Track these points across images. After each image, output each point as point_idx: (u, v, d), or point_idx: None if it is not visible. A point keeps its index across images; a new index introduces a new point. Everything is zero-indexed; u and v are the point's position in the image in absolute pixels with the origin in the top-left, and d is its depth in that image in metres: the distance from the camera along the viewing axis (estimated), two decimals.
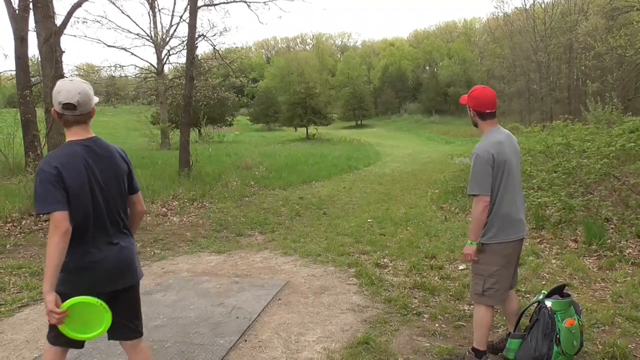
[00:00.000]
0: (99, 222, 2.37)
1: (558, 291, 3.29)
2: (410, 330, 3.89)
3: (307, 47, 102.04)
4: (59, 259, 2.18)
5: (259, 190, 12.36)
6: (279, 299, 4.67)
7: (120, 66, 28.93)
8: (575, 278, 4.96)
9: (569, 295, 3.26)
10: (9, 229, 7.51)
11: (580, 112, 16.03)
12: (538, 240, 6.43)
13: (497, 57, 50.44)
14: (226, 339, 3.76)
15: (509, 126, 15.76)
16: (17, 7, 13.12)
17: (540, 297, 3.29)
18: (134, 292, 2.59)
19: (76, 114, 2.33)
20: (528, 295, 4.46)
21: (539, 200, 7.03)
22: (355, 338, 3.72)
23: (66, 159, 2.29)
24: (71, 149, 2.35)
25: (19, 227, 7.63)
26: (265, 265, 5.95)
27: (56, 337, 2.36)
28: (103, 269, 2.36)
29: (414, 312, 4.24)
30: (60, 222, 2.20)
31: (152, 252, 6.65)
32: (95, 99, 2.45)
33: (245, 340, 3.77)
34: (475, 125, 3.30)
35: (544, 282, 4.84)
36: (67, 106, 2.30)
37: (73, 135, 2.37)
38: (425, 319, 4.10)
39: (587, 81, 36.86)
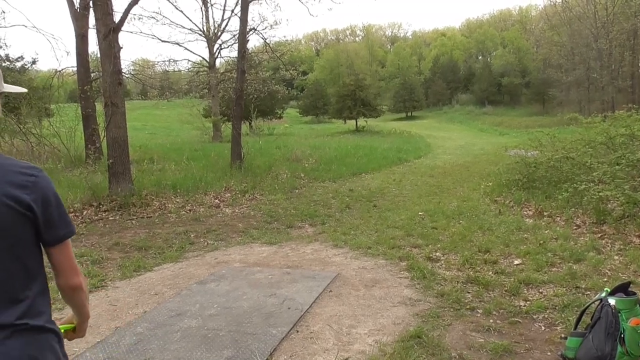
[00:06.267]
0: None
1: (622, 289, 3.14)
2: (463, 325, 3.81)
3: (357, 38, 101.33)
4: None
5: (308, 182, 12.42)
6: (330, 291, 4.68)
7: (174, 61, 29.50)
8: None
9: (634, 294, 3.11)
10: (71, 219, 7.87)
11: None
12: (599, 235, 6.16)
13: (555, 45, 48.44)
14: (278, 329, 3.80)
15: (566, 117, 15.15)
16: (78, 6, 13.70)
17: (603, 294, 3.16)
18: None
19: None
20: (589, 293, 4.28)
21: (600, 193, 6.72)
22: (407, 332, 3.68)
23: None
24: None
25: (80, 217, 7.99)
26: (316, 257, 5.98)
27: None
28: None
29: (468, 306, 4.16)
30: None
31: (206, 243, 6.81)
32: (11, 89, 1.54)
33: (297, 331, 3.80)
34: None
35: (605, 279, 4.63)
36: None
37: None
38: (479, 314, 4.01)
39: None
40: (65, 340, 1.57)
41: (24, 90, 1.62)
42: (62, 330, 1.61)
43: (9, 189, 1.32)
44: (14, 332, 1.31)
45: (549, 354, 3.32)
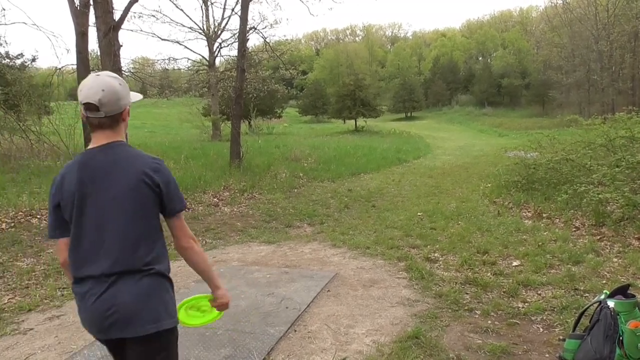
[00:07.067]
0: (87, 250, 1.86)
1: (621, 291, 3.14)
2: (461, 326, 3.81)
3: (357, 38, 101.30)
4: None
5: (307, 182, 12.42)
6: (328, 291, 4.68)
7: (174, 59, 29.43)
8: (639, 278, 4.71)
9: (633, 296, 3.10)
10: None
11: None
12: (598, 237, 6.15)
13: (555, 47, 48.38)
14: (276, 328, 3.80)
15: (566, 118, 15.11)
16: (78, 3, 13.67)
17: (602, 297, 3.15)
18: (140, 350, 1.90)
19: (99, 116, 1.85)
20: (587, 295, 4.28)
21: (599, 195, 6.71)
22: (405, 332, 3.67)
23: (65, 172, 1.90)
24: (76, 159, 1.94)
25: None
26: (314, 256, 5.97)
27: None
28: (86, 308, 1.85)
29: (466, 307, 4.15)
30: (58, 253, 1.95)
31: (204, 241, 6.80)
32: (135, 97, 2.03)
33: (295, 331, 3.80)
34: None
35: (604, 282, 4.62)
36: (88, 107, 1.85)
37: (93, 142, 1.92)
38: (477, 316, 4.01)
39: None
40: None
41: (141, 96, 2.10)
42: (196, 301, 2.23)
43: (147, 172, 1.87)
44: (145, 274, 1.87)
45: (547, 355, 3.31)
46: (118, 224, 1.84)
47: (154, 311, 1.87)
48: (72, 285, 1.91)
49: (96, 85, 1.84)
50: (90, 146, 1.92)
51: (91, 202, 1.84)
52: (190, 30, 28.32)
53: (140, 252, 1.87)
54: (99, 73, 1.90)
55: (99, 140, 1.90)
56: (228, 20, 40.81)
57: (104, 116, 1.86)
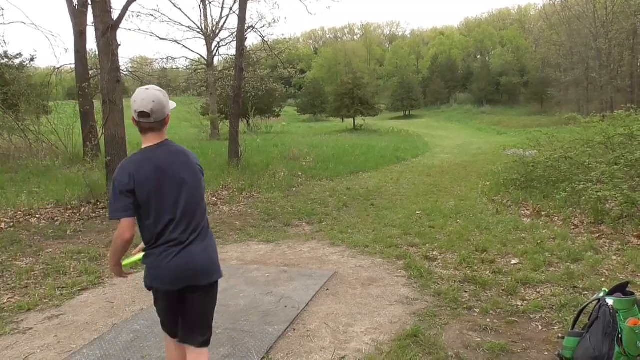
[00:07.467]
0: (166, 221, 2.42)
1: (620, 289, 3.13)
2: (460, 324, 3.81)
3: (355, 37, 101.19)
4: (115, 260, 2.55)
5: (306, 180, 12.41)
6: (327, 289, 4.68)
7: (172, 58, 29.54)
8: (638, 276, 4.71)
9: (632, 294, 3.10)
10: (69, 216, 7.86)
11: None
12: (597, 235, 6.16)
13: (554, 45, 48.36)
14: (275, 327, 3.80)
15: (565, 116, 15.08)
16: (76, 3, 13.66)
17: (601, 294, 3.15)
18: (199, 296, 2.53)
19: (150, 121, 2.41)
20: (586, 293, 4.28)
21: (598, 193, 6.71)
22: (404, 331, 3.68)
23: (137, 165, 2.41)
24: (143, 155, 2.46)
25: (78, 214, 7.96)
26: (313, 255, 5.97)
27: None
28: (160, 265, 2.44)
29: (464, 306, 4.16)
30: (124, 230, 2.38)
31: None
32: (172, 105, 2.55)
33: (294, 330, 3.80)
34: None
35: (603, 279, 4.63)
36: (142, 114, 2.39)
37: (147, 141, 2.48)
38: (476, 314, 4.01)
39: None
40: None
41: (175, 105, 2.60)
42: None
43: (196, 161, 2.58)
44: (207, 237, 2.55)
45: (546, 353, 3.32)
46: (189, 200, 2.46)
47: (214, 265, 2.56)
48: (147, 249, 2.50)
49: (147, 97, 2.39)
50: (146, 145, 2.48)
51: (167, 184, 2.42)
52: (188, 29, 28.34)
53: (204, 220, 2.55)
54: (148, 87, 2.45)
55: (151, 140, 2.47)
56: (226, 19, 40.85)
57: (153, 121, 2.42)
